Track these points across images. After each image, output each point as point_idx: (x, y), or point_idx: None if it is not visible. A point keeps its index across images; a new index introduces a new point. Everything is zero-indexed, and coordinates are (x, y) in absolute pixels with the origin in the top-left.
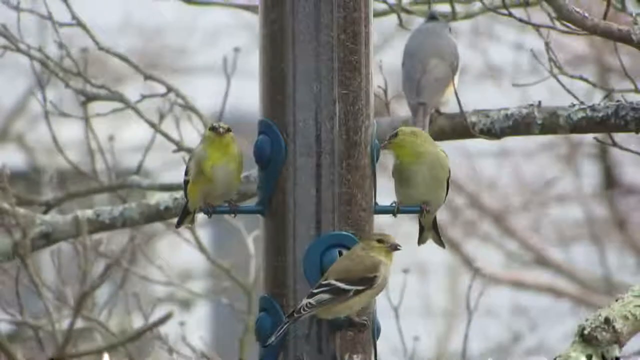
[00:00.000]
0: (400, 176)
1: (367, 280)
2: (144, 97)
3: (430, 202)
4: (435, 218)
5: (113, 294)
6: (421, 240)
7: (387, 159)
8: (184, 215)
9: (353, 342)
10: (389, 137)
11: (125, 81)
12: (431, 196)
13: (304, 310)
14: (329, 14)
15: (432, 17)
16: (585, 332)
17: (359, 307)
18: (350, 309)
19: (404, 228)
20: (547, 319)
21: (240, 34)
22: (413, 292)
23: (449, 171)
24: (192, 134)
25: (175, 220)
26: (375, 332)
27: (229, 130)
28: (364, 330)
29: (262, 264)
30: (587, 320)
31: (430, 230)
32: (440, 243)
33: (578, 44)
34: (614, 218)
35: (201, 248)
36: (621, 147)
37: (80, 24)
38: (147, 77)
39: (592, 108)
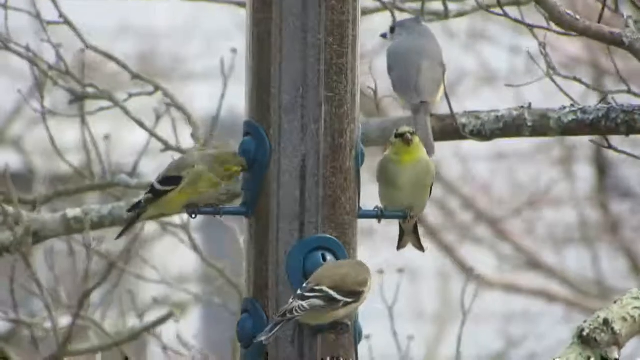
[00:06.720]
0: (388, 175)
1: (356, 294)
2: (131, 95)
3: (414, 207)
4: (416, 222)
5: (108, 294)
6: (400, 246)
7: (372, 162)
8: (130, 225)
9: (335, 345)
10: (412, 133)
11: (120, 86)
12: (416, 200)
13: (296, 311)
14: (316, 16)
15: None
16: (584, 333)
17: (342, 316)
18: (334, 318)
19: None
20: (540, 324)
21: (239, 38)
22: (403, 296)
23: (434, 179)
24: (188, 136)
25: (170, 219)
26: (357, 336)
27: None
28: (345, 332)
29: (246, 266)
30: (585, 321)
31: (410, 234)
32: (420, 247)
33: (573, 46)
34: (607, 221)
35: (195, 248)
36: (616, 149)
37: (67, 21)
38: (135, 77)
39: (583, 110)
